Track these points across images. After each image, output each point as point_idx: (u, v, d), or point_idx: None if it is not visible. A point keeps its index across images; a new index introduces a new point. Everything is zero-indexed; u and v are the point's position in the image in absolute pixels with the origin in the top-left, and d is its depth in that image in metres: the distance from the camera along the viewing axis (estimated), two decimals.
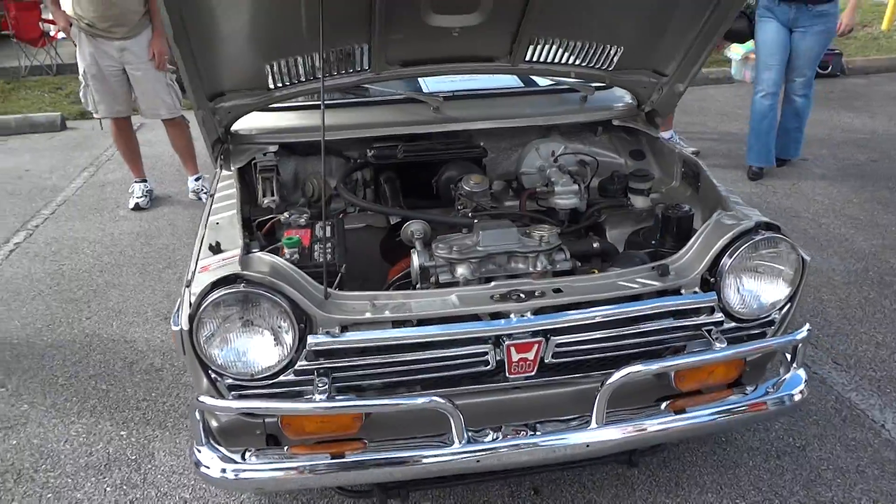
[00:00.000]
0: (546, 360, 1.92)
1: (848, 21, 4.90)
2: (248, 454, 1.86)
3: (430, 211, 2.42)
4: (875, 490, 2.37)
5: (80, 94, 4.69)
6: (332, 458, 1.83)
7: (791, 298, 2.06)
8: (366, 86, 2.70)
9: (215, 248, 1.95)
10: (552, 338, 1.88)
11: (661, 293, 1.97)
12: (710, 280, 1.98)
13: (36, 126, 6.91)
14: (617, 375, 1.84)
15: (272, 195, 2.42)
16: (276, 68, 2.40)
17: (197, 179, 5.05)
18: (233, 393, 1.86)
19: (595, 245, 2.31)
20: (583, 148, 2.82)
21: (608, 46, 2.55)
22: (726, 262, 1.96)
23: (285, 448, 1.91)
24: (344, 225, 2.31)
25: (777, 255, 2.00)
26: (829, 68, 7.80)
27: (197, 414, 1.85)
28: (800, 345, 2.05)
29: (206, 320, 1.76)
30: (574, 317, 1.87)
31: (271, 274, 1.81)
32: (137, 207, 4.93)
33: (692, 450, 2.54)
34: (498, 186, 2.68)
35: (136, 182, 5.01)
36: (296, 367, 1.83)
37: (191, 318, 1.76)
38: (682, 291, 1.98)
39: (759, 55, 4.97)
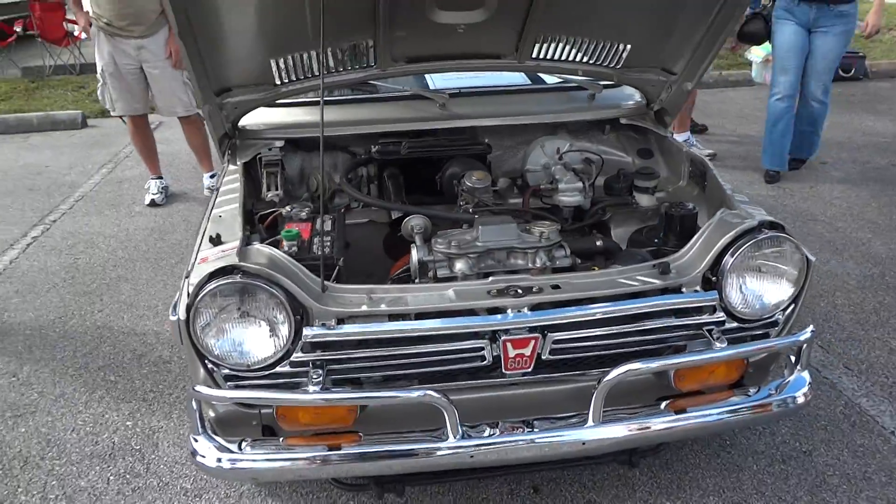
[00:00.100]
0: (543, 357, 1.91)
1: (874, 22, 4.80)
2: (244, 444, 1.87)
3: (432, 207, 2.42)
4: (881, 497, 2.33)
5: (98, 92, 4.77)
6: (325, 451, 1.84)
7: (795, 299, 2.03)
8: (372, 82, 2.71)
9: (215, 240, 1.97)
10: (549, 334, 1.87)
11: (661, 291, 1.95)
12: (712, 279, 1.96)
13: (57, 124, 7.02)
14: (614, 373, 1.82)
15: (276, 189, 2.44)
16: (281, 64, 2.41)
17: (212, 176, 5.10)
18: (229, 383, 1.87)
19: (598, 243, 2.29)
20: (589, 146, 2.80)
21: (616, 44, 2.53)
22: (728, 260, 1.93)
23: (281, 439, 1.91)
24: (345, 219, 2.32)
25: (781, 255, 1.97)
26: (853, 71, 7.70)
27: (194, 403, 1.86)
28: (804, 346, 2.01)
29: (203, 310, 1.77)
30: (571, 313, 1.86)
31: (268, 265, 1.82)
32: (153, 203, 4.99)
33: (695, 452, 2.51)
34: (503, 184, 2.67)
35: (152, 179, 5.07)
36: (292, 358, 1.83)
37: (188, 308, 1.77)
38: (683, 290, 1.95)
39: (776, 57, 4.91)
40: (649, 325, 1.92)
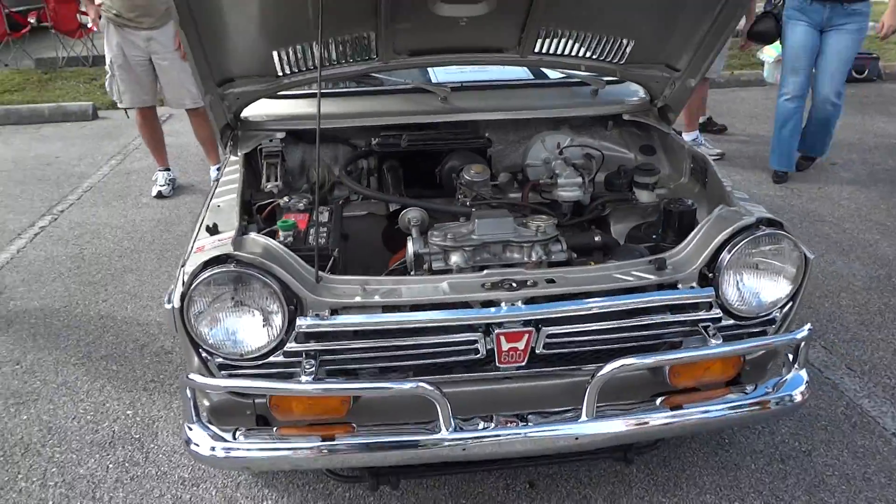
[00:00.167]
0: (537, 351, 1.90)
1: (890, 22, 4.69)
2: (238, 434, 1.88)
3: (430, 200, 2.42)
4: (881, 498, 2.31)
5: (106, 83, 4.79)
6: (318, 441, 1.84)
7: (793, 297, 2.01)
8: (374, 75, 2.71)
9: (212, 230, 1.98)
10: (543, 328, 1.87)
11: (657, 287, 1.94)
12: (709, 276, 1.95)
13: (68, 115, 7.08)
14: (608, 367, 1.81)
15: (275, 180, 2.45)
16: (283, 56, 2.41)
17: (219, 169, 5.10)
18: (223, 372, 1.88)
19: (597, 238, 2.29)
20: (591, 141, 2.79)
21: (619, 39, 2.52)
22: (725, 257, 1.92)
23: (275, 429, 1.92)
24: (342, 211, 2.32)
25: (779, 252, 1.95)
26: (866, 72, 7.63)
27: (188, 392, 1.86)
28: (802, 345, 1.99)
29: (197, 299, 1.78)
30: (565, 308, 1.85)
31: (263, 255, 1.82)
32: (160, 195, 5.01)
33: (693, 450, 2.50)
34: (504, 178, 2.66)
35: (159, 170, 5.10)
36: (285, 348, 1.84)
37: (182, 297, 1.78)
38: (679, 286, 1.94)
39: (787, 58, 4.86)
40: (644, 320, 1.91)
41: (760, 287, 1.97)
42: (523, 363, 1.91)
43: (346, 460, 1.92)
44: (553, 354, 1.94)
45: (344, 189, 2.60)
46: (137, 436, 2.67)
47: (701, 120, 6.13)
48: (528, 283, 1.85)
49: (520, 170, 2.77)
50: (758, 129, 6.28)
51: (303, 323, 1.81)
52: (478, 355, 1.88)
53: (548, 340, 1.89)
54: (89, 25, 8.77)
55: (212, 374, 1.88)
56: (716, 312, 1.94)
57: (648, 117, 2.77)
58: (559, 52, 2.55)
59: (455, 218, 2.23)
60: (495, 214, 2.09)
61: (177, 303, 1.79)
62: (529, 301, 1.85)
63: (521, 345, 1.87)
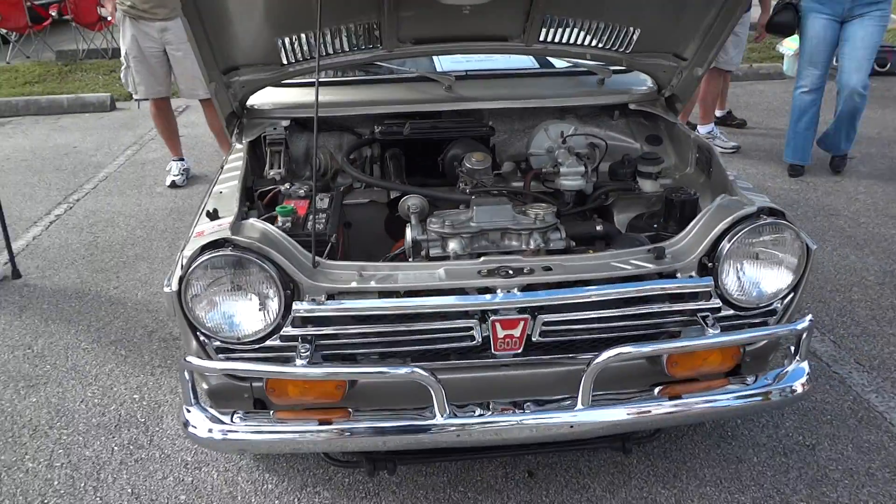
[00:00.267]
0: (534, 339, 1.90)
1: None
2: (235, 417, 1.90)
3: (431, 187, 2.42)
4: (884, 493, 2.27)
5: (122, 75, 4.83)
6: (313, 425, 1.85)
7: (794, 288, 1.98)
8: (379, 63, 2.71)
9: (212, 215, 2.00)
10: (539, 316, 1.86)
11: (656, 276, 1.93)
12: (709, 265, 1.93)
13: (87, 106, 7.16)
14: (604, 355, 1.80)
15: (278, 167, 2.46)
16: (288, 44, 2.42)
17: None
18: (220, 355, 1.89)
19: (598, 228, 2.27)
20: (595, 130, 2.77)
21: (625, 28, 2.50)
22: (725, 246, 1.90)
23: (272, 413, 1.93)
24: (343, 198, 2.32)
25: (780, 242, 1.93)
26: (888, 66, 7.49)
27: (186, 375, 1.88)
28: (803, 336, 1.97)
29: (194, 282, 1.80)
30: (561, 295, 1.84)
31: (260, 240, 1.83)
32: (174, 185, 5.06)
33: (694, 442, 2.48)
34: (508, 167, 2.66)
35: (173, 160, 5.15)
36: (282, 332, 1.85)
37: (180, 280, 1.80)
38: (678, 275, 1.93)
39: (805, 50, 4.77)
40: (642, 309, 1.89)
41: (761, 277, 1.95)
42: (519, 350, 1.91)
43: (342, 445, 1.93)
44: (550, 342, 1.94)
45: (347, 177, 2.61)
46: (143, 419, 2.70)
47: (720, 113, 6.07)
48: (525, 271, 1.85)
49: (524, 159, 2.76)
50: (776, 123, 6.19)
51: (299, 307, 1.82)
52: (473, 342, 1.88)
53: (544, 328, 1.88)
54: (109, 18, 8.91)
55: (209, 358, 1.90)
56: (715, 302, 1.92)
57: (655, 107, 2.75)
58: (564, 40, 2.54)
59: (455, 205, 2.22)
60: (494, 202, 2.09)
61: (175, 286, 1.81)
62: (526, 288, 1.85)
63: (516, 332, 1.87)
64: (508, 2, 2.32)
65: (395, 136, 2.60)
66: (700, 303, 1.92)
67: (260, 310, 1.83)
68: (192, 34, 2.18)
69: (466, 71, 2.84)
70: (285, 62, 2.50)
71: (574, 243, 2.13)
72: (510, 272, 1.84)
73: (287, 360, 1.88)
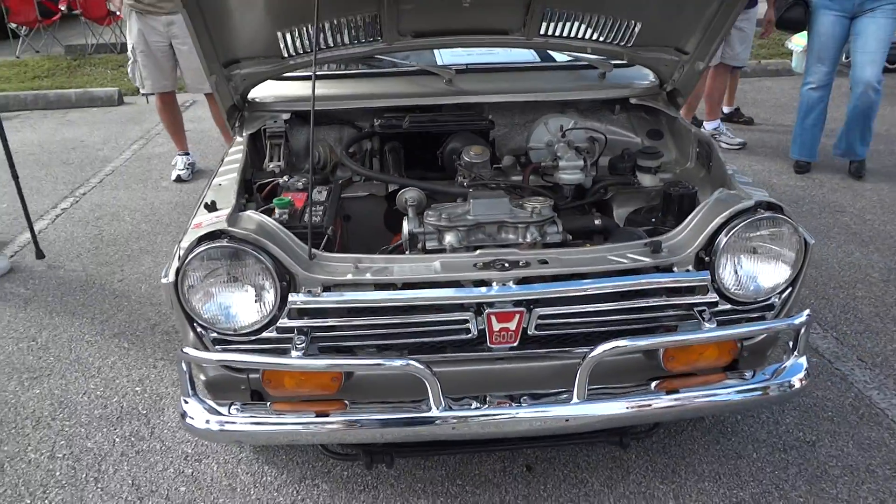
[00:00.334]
0: (529, 332, 1.90)
1: None
2: (232, 408, 1.90)
3: (429, 180, 2.42)
4: (884, 490, 2.26)
5: (129, 70, 4.86)
6: (308, 417, 1.86)
7: (792, 282, 1.97)
8: (380, 57, 2.71)
9: (210, 207, 2.00)
10: (535, 309, 1.86)
11: (653, 270, 1.92)
12: (706, 259, 1.92)
13: (95, 100, 7.21)
14: (600, 349, 1.80)
15: (278, 160, 2.47)
16: (288, 37, 2.43)
17: None
18: (217, 347, 1.90)
19: (597, 222, 2.27)
20: (597, 125, 2.76)
21: (625, 21, 2.49)
22: (722, 240, 1.89)
23: (268, 404, 1.94)
24: (341, 191, 2.33)
25: (777, 237, 1.92)
26: None
27: (183, 366, 1.89)
28: (801, 331, 1.96)
29: (191, 273, 1.81)
30: (557, 288, 1.84)
31: (257, 231, 1.84)
32: (179, 179, 5.08)
33: (694, 438, 2.48)
34: (508, 161, 2.65)
35: (179, 155, 5.17)
36: (278, 324, 1.86)
37: (177, 272, 1.81)
38: (675, 269, 1.92)
39: (813, 46, 4.73)
40: (638, 303, 1.89)
41: (758, 272, 1.94)
42: (515, 344, 1.91)
43: (337, 436, 1.94)
44: (546, 336, 1.94)
45: (347, 170, 2.61)
46: (144, 411, 2.72)
47: (727, 110, 6.05)
48: (521, 264, 1.85)
49: (524, 153, 2.76)
50: (783, 119, 6.16)
51: (295, 299, 1.83)
52: (469, 335, 1.89)
53: (540, 322, 1.88)
54: (118, 13, 8.96)
55: (207, 349, 1.91)
56: (712, 296, 1.92)
57: (657, 101, 2.74)
58: (565, 34, 2.53)
59: (453, 199, 2.22)
60: (491, 195, 2.09)
61: (171, 277, 1.82)
62: (522, 282, 1.85)
63: (512, 325, 1.87)
64: None
65: (394, 129, 2.60)
66: (697, 297, 1.92)
67: (256, 301, 1.84)
68: (192, 27, 2.19)
69: (467, 65, 2.83)
70: (286, 55, 2.50)
71: (571, 237, 2.13)
72: (506, 265, 1.84)
73: (284, 352, 1.89)
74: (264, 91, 2.73)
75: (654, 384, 1.95)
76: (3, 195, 4.65)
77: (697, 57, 2.54)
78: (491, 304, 1.84)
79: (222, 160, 2.51)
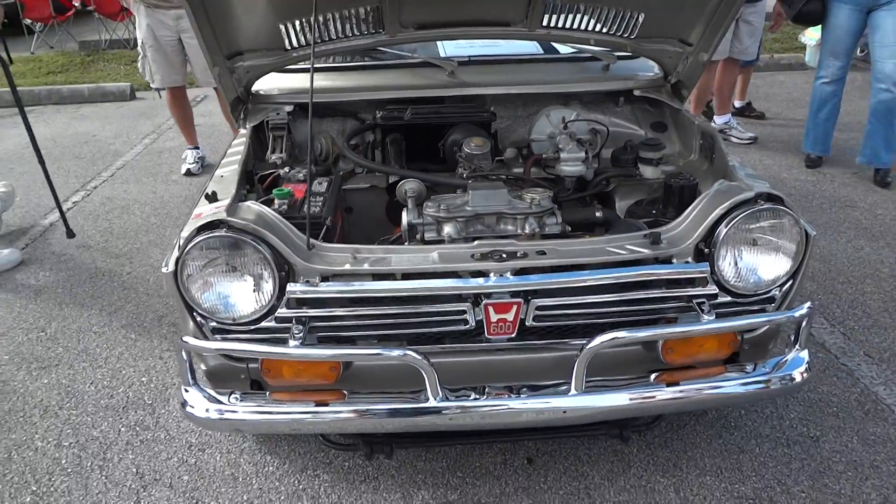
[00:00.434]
0: (527, 324, 1.89)
1: None
2: (232, 397, 1.92)
3: (430, 172, 2.42)
4: (888, 486, 2.24)
5: (139, 65, 4.89)
6: (307, 406, 1.87)
7: (793, 275, 1.96)
8: (383, 49, 2.71)
9: (211, 197, 2.02)
10: (533, 300, 1.86)
11: (653, 262, 1.91)
12: (705, 251, 1.91)
13: (107, 95, 7.27)
14: (597, 340, 1.79)
15: (280, 152, 2.47)
16: (290, 29, 2.43)
17: None
18: (216, 336, 1.92)
19: (598, 214, 2.26)
20: (601, 117, 2.75)
21: (628, 12, 2.47)
22: (722, 231, 1.88)
23: (268, 393, 1.95)
24: (342, 183, 2.33)
25: (778, 228, 1.90)
26: None
27: (183, 355, 1.90)
28: (803, 324, 1.94)
29: (190, 262, 1.82)
30: (554, 279, 1.84)
31: (255, 221, 1.85)
32: (189, 173, 5.11)
33: (696, 432, 2.46)
34: (510, 154, 2.65)
35: (188, 149, 5.20)
36: (276, 314, 1.87)
37: (177, 261, 1.83)
38: (674, 260, 1.91)
39: (827, 40, 4.66)
40: (636, 294, 1.88)
41: (759, 263, 1.93)
42: (513, 335, 1.91)
43: (335, 426, 1.95)
44: (544, 328, 1.93)
45: (349, 162, 2.62)
46: (150, 401, 2.74)
47: (739, 104, 6.00)
48: (518, 255, 1.84)
49: (526, 145, 2.75)
50: (795, 114, 6.10)
51: (293, 289, 1.84)
52: (467, 326, 1.89)
53: (537, 313, 1.88)
54: (129, 9, 9.02)
55: (206, 339, 1.92)
56: (711, 288, 1.91)
57: (661, 93, 2.72)
58: (568, 25, 2.52)
59: (453, 190, 2.22)
60: (490, 186, 2.09)
61: (171, 266, 1.84)
62: (519, 272, 1.84)
63: (509, 316, 1.87)
64: None
65: (395, 121, 2.61)
66: (696, 289, 1.91)
67: (254, 291, 1.85)
68: (195, 19, 2.20)
69: (470, 57, 2.83)
70: (288, 47, 2.51)
71: (570, 228, 2.12)
72: (503, 256, 1.84)
73: (282, 342, 1.89)
74: (268, 83, 2.74)
75: (653, 376, 1.94)
76: (16, 189, 4.69)
77: (701, 48, 2.52)
78: (488, 295, 1.84)
79: (225, 152, 2.53)
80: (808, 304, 1.90)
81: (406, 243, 2.09)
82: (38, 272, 3.79)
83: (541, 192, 2.09)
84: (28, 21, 9.42)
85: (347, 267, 1.85)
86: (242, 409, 1.90)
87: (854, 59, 4.77)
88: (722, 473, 2.31)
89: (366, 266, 1.85)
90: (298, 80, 2.77)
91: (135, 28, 9.06)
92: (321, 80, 2.72)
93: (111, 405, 2.73)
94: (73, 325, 3.28)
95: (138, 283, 3.64)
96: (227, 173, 2.23)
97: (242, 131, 2.58)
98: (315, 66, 2.74)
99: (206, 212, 1.94)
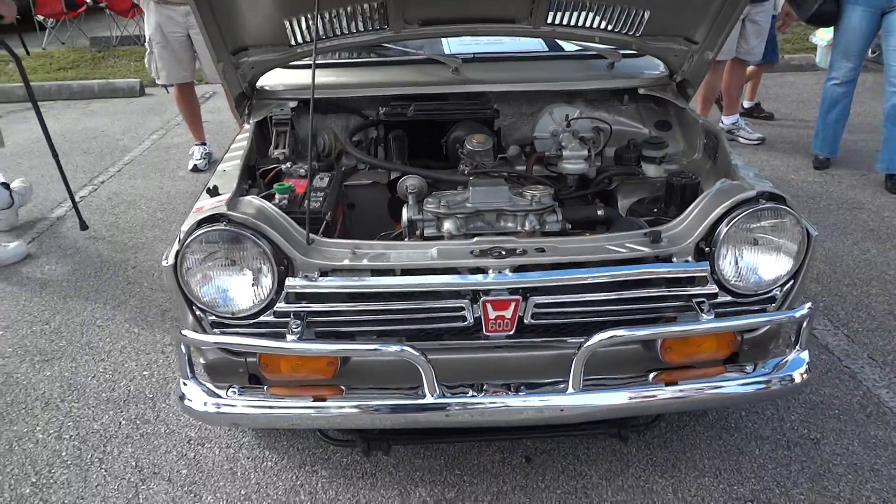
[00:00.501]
0: (526, 321, 1.89)
1: None
2: (230, 391, 1.92)
3: (432, 168, 2.42)
4: (888, 490, 2.22)
5: (146, 61, 4.91)
6: (304, 401, 1.87)
7: (795, 275, 1.94)
8: (387, 45, 2.71)
9: (212, 192, 2.03)
10: (531, 297, 1.85)
11: (652, 260, 1.90)
12: (706, 250, 1.90)
13: (117, 91, 7.31)
14: (595, 338, 1.78)
15: (283, 147, 2.48)
16: (296, 24, 2.43)
17: None
18: (215, 330, 1.92)
19: (599, 212, 2.25)
20: (605, 116, 2.74)
21: (633, 10, 2.46)
22: (722, 230, 1.87)
23: (266, 388, 1.96)
24: (343, 178, 2.33)
25: (779, 228, 1.89)
26: None
27: (182, 348, 1.91)
28: (804, 324, 1.93)
29: (189, 256, 1.83)
30: (553, 277, 1.83)
31: (255, 216, 1.85)
32: (195, 169, 5.14)
33: (696, 433, 2.45)
34: (513, 151, 2.64)
35: (196, 145, 5.22)
36: (275, 308, 1.87)
37: (176, 254, 1.83)
38: (674, 259, 1.90)
39: (839, 41, 4.61)
40: (635, 293, 1.87)
41: (759, 263, 1.91)
42: (511, 332, 1.91)
43: (332, 421, 1.94)
44: (543, 325, 1.93)
45: (351, 158, 2.62)
46: (151, 395, 2.75)
47: (748, 104, 5.97)
48: (517, 252, 1.84)
49: (529, 142, 2.74)
50: (804, 115, 6.07)
51: (292, 283, 1.84)
52: (465, 323, 1.88)
53: (536, 310, 1.87)
54: (141, 5, 9.06)
55: (205, 332, 1.92)
56: (711, 288, 1.89)
57: (666, 92, 2.71)
58: (573, 23, 2.50)
59: (454, 187, 2.22)
60: (491, 183, 2.08)
61: (171, 260, 1.84)
62: (518, 270, 1.84)
63: (508, 313, 1.86)
64: None
65: (398, 117, 2.60)
66: (696, 288, 1.89)
67: (254, 285, 1.85)
68: (200, 15, 2.20)
69: (474, 54, 2.82)
70: (293, 43, 2.51)
71: (570, 226, 2.11)
72: (502, 253, 1.83)
73: (281, 337, 1.90)
74: (273, 79, 2.74)
75: (651, 376, 1.93)
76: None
77: (707, 47, 2.51)
78: (486, 292, 1.84)
79: (229, 147, 2.54)
80: (808, 304, 1.89)
81: (406, 239, 2.09)
82: (44, 265, 3.81)
83: (542, 189, 2.08)
84: (40, 17, 9.49)
85: (346, 262, 1.85)
86: (240, 404, 1.90)
87: (865, 61, 4.74)
88: (721, 475, 2.29)
89: (364, 262, 1.85)
90: (303, 76, 2.77)
91: (147, 24, 9.19)
92: (326, 77, 2.72)
93: (112, 398, 2.74)
94: (77, 318, 3.30)
95: (143, 277, 3.66)
96: (230, 168, 2.24)
97: (246, 126, 2.59)
98: (319, 62, 2.76)
99: (206, 206, 1.95)
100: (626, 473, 2.30)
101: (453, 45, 2.94)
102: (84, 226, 4.08)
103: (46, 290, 3.56)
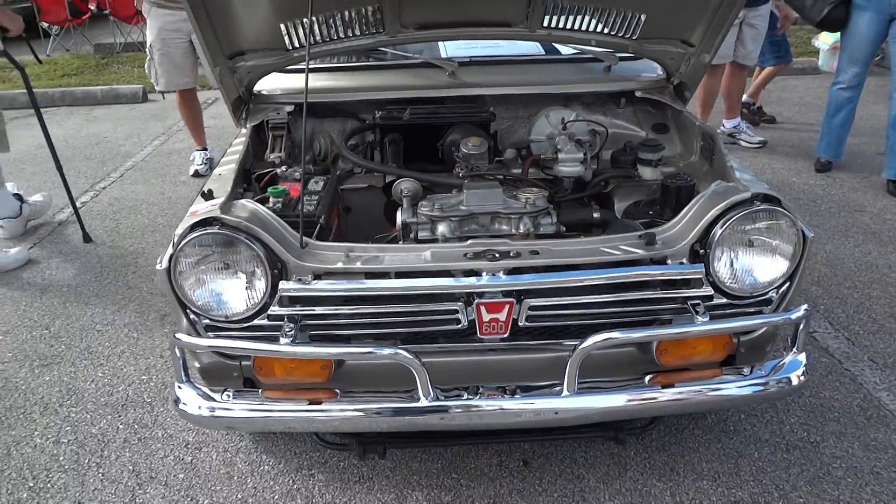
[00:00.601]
0: (520, 324, 1.88)
1: None
2: (225, 395, 1.92)
3: (427, 172, 2.41)
4: (888, 493, 2.21)
5: (146, 67, 4.93)
6: (299, 405, 1.87)
7: (790, 277, 1.93)
8: (383, 49, 2.72)
9: (207, 196, 2.03)
10: (525, 300, 1.85)
11: (647, 262, 1.90)
12: (700, 252, 1.89)
13: (120, 97, 7.34)
14: (590, 341, 1.78)
15: (279, 151, 2.48)
16: (291, 29, 2.44)
17: None
18: (210, 334, 1.92)
19: (595, 215, 2.24)
20: (603, 119, 2.74)
21: (630, 13, 2.46)
22: (717, 232, 1.86)
23: (260, 391, 1.95)
24: (338, 182, 2.34)
25: (775, 229, 1.88)
26: None
27: (177, 352, 1.91)
28: (800, 326, 1.92)
29: (183, 259, 1.83)
30: (547, 279, 1.83)
31: (249, 219, 1.85)
32: (197, 174, 5.14)
33: (695, 436, 2.44)
34: (510, 155, 2.64)
35: (197, 150, 5.23)
36: (269, 312, 1.87)
37: (170, 258, 1.83)
38: (669, 261, 1.89)
39: (847, 46, 4.59)
40: (630, 295, 1.86)
41: (755, 265, 1.90)
42: (505, 335, 1.90)
43: (326, 425, 1.95)
44: (538, 328, 1.92)
45: (347, 162, 2.62)
46: (149, 400, 2.75)
47: (746, 100, 5.93)
48: (511, 254, 1.83)
49: (526, 146, 2.74)
50: (806, 118, 6.06)
51: (286, 287, 1.84)
52: (459, 325, 1.88)
53: (530, 313, 1.87)
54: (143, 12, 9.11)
55: (199, 336, 1.92)
56: (706, 290, 1.89)
57: (663, 95, 2.70)
58: (569, 26, 2.51)
59: (449, 190, 2.22)
60: (485, 186, 2.08)
61: (165, 263, 1.84)
62: (512, 272, 1.83)
63: (502, 316, 1.86)
64: None
65: (394, 121, 2.61)
66: (691, 290, 1.89)
67: (247, 288, 1.85)
68: (195, 18, 2.21)
69: (470, 57, 2.83)
70: (290, 48, 2.52)
71: (565, 228, 2.11)
72: (496, 255, 1.83)
73: (275, 340, 1.89)
74: (270, 84, 2.75)
75: (647, 378, 1.92)
76: (27, 189, 4.75)
77: (703, 49, 2.51)
78: (480, 295, 1.83)
79: (225, 151, 2.54)
80: (804, 306, 1.88)
81: (400, 242, 2.08)
82: (45, 271, 3.82)
83: (536, 192, 2.08)
84: (45, 24, 9.54)
85: (340, 265, 1.85)
86: (235, 407, 1.90)
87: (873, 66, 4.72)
88: (719, 478, 2.28)
89: (358, 264, 1.85)
90: (300, 81, 2.76)
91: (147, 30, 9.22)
92: (322, 81, 2.73)
93: (110, 403, 2.74)
94: (77, 323, 3.31)
95: (143, 282, 3.66)
96: (225, 172, 2.24)
97: (243, 131, 2.59)
98: (316, 66, 2.76)
99: (200, 209, 1.95)
100: (623, 477, 2.29)
101: (450, 49, 2.95)
102: (87, 238, 4.10)
103: (47, 294, 3.57)
